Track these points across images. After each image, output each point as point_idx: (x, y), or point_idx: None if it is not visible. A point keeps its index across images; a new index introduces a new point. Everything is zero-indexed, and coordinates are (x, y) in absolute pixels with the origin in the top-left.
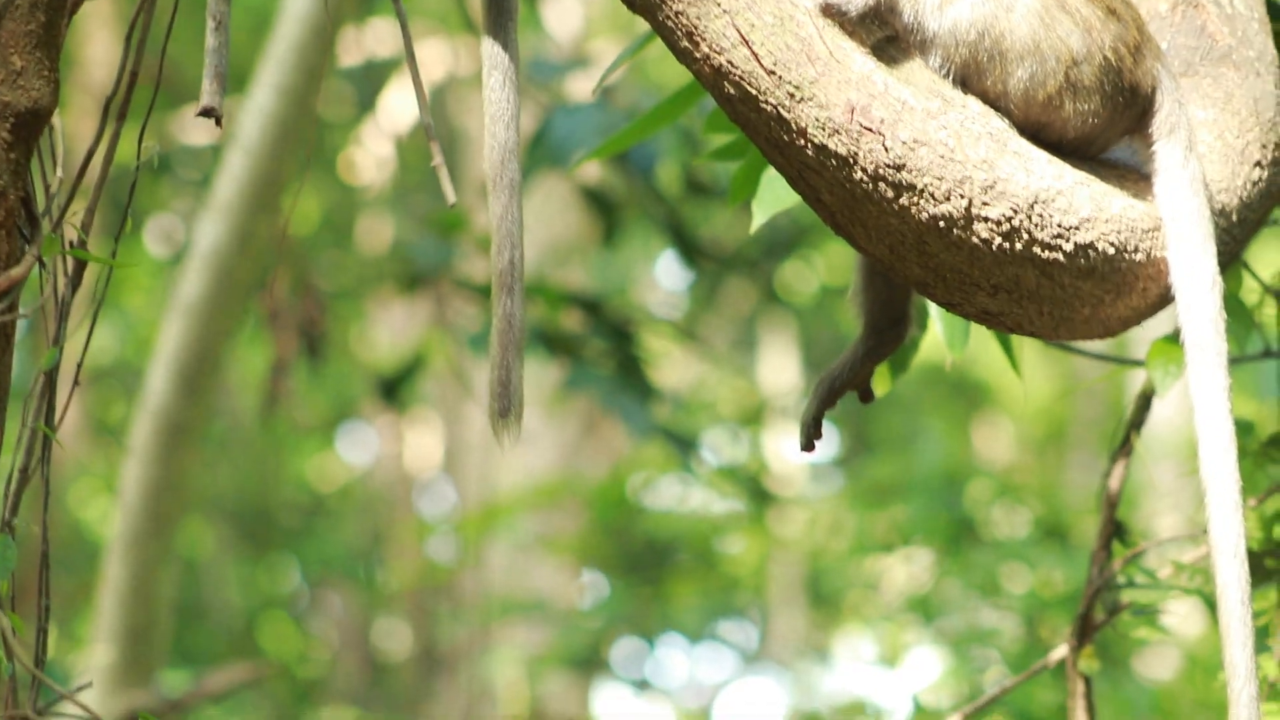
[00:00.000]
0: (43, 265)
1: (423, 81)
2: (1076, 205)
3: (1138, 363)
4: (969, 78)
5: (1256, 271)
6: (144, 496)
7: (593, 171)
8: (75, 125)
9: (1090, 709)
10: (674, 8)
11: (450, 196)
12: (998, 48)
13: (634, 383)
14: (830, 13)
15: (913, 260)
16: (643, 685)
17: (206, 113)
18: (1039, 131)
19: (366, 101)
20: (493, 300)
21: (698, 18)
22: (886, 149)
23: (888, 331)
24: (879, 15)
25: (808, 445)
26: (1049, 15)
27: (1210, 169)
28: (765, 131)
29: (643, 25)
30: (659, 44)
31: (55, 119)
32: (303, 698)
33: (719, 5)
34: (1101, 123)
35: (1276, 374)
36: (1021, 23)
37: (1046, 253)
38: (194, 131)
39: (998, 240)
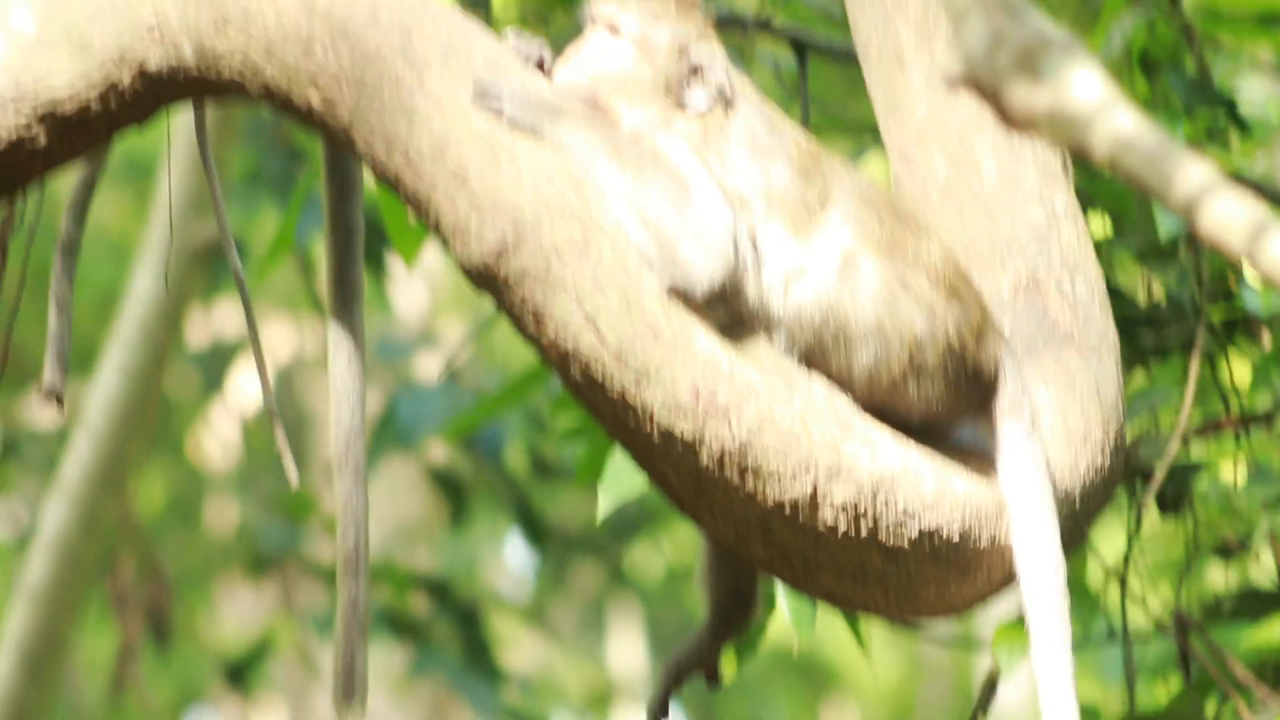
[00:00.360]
0: None
1: (267, 363)
2: (921, 488)
3: (985, 644)
4: (814, 359)
5: (1100, 554)
6: None
7: (440, 452)
8: None
9: None
10: (520, 290)
11: (294, 479)
12: (842, 331)
13: (482, 665)
14: (676, 294)
15: (759, 542)
16: None
17: (49, 395)
18: (884, 413)
19: (213, 382)
20: (338, 584)
21: (544, 300)
22: (732, 433)
23: (735, 613)
24: (724, 298)
25: None
26: (893, 298)
27: (1053, 451)
28: (611, 414)
29: (490, 304)
30: (507, 324)
31: None
32: None
33: (565, 287)
34: (945, 405)
35: (1120, 657)
36: (866, 305)
37: (891, 537)
38: (39, 414)
39: (843, 524)
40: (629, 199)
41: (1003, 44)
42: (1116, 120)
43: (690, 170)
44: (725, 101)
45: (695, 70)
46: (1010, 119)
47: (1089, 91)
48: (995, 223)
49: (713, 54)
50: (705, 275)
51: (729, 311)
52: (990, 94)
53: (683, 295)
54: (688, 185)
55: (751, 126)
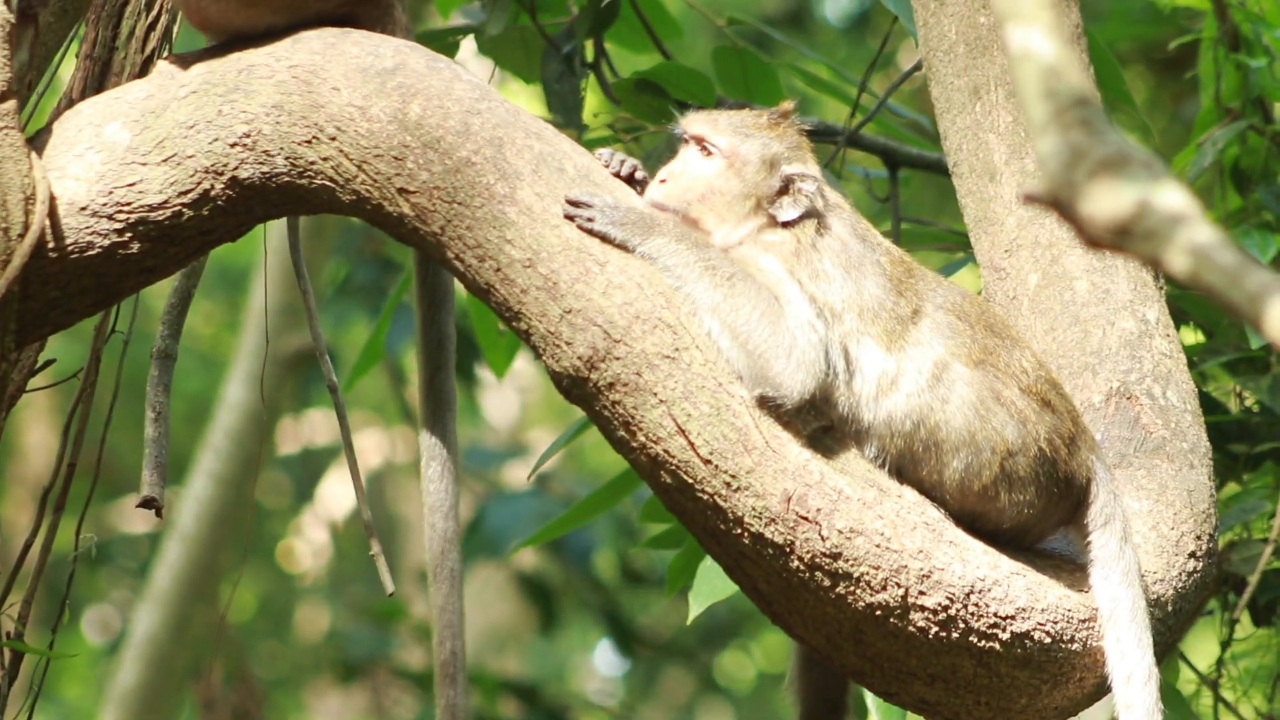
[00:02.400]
0: None
1: (360, 470)
2: (1012, 595)
3: None
4: (905, 467)
5: (1193, 661)
6: None
7: (529, 559)
8: (13, 515)
9: None
10: (610, 397)
11: (388, 586)
12: (933, 438)
13: None
14: (766, 405)
15: (849, 649)
16: None
17: (147, 503)
18: (975, 521)
19: (304, 490)
20: (435, 690)
21: (634, 407)
22: (823, 538)
23: None
24: (815, 406)
25: None
26: (984, 407)
27: (1145, 560)
28: (702, 520)
29: (579, 413)
30: (595, 432)
31: None
32: None
33: (655, 395)
34: (1037, 513)
35: None
36: (957, 414)
37: (983, 642)
38: (131, 520)
39: (934, 629)
40: (720, 313)
41: (1081, 160)
42: (1195, 236)
43: (781, 285)
44: (817, 214)
45: (787, 184)
46: (1088, 235)
47: (1167, 208)
48: (1086, 333)
49: (805, 166)
50: (796, 389)
51: (820, 420)
52: (1068, 210)
53: (774, 408)
54: (779, 300)
55: (844, 240)
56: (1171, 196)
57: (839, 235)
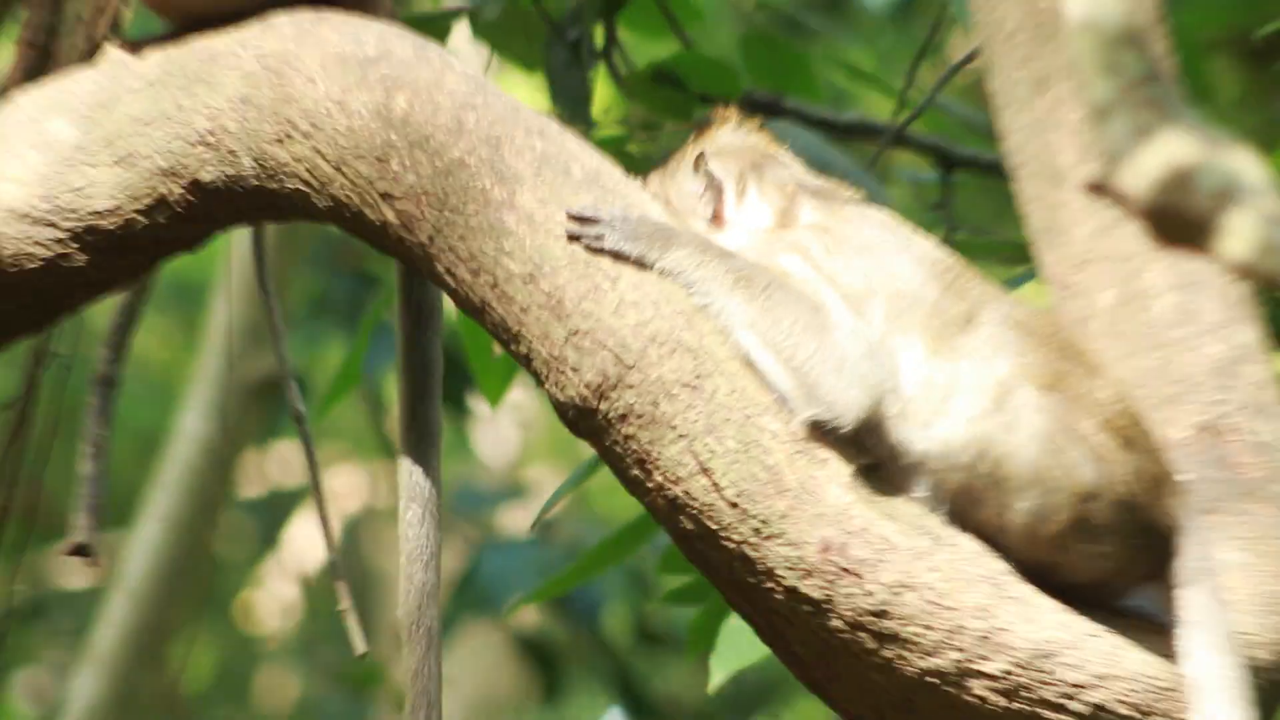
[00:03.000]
0: None
1: (331, 515)
2: (1087, 660)
3: None
4: (962, 509)
5: None
6: None
7: (530, 617)
8: None
9: None
10: (623, 431)
11: (359, 646)
12: (997, 474)
13: None
14: (818, 431)
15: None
16: None
17: (78, 550)
18: (1044, 574)
19: (269, 537)
20: None
21: (650, 443)
22: (867, 593)
23: None
24: (868, 433)
25: None
26: (1058, 440)
27: (1241, 620)
28: (728, 572)
29: (587, 450)
30: (606, 472)
31: None
32: None
33: (674, 428)
34: (1116, 565)
35: None
36: (1026, 446)
37: (1053, 713)
38: (70, 572)
39: (996, 698)
40: (759, 328)
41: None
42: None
43: (812, 286)
44: (805, 191)
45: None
46: (1158, 231)
47: (1253, 198)
48: (1169, 359)
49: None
50: (852, 407)
51: (864, 456)
52: (1133, 201)
53: (828, 433)
54: (823, 309)
55: (862, 219)
56: (1257, 184)
57: (854, 215)
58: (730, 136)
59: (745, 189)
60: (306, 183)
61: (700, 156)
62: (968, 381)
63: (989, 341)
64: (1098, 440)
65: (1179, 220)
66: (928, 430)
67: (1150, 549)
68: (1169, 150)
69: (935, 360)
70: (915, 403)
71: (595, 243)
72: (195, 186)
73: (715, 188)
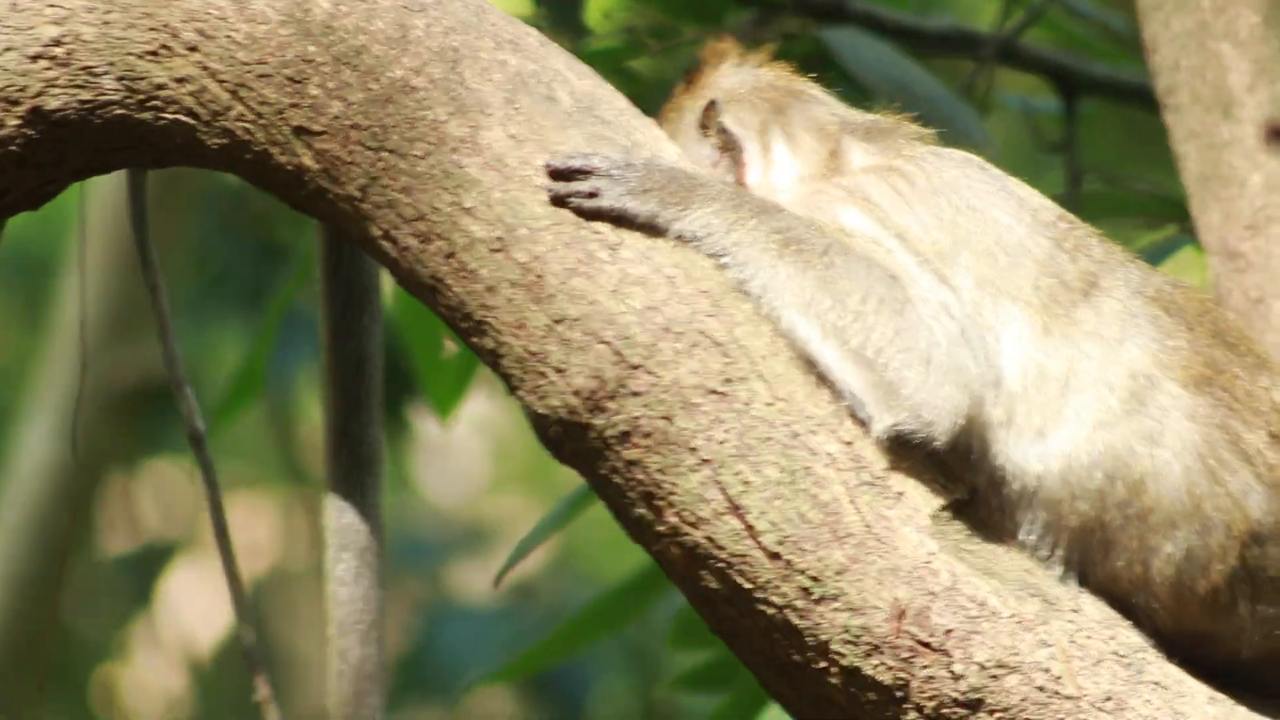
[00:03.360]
0: None
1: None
2: None
3: None
4: (1087, 557)
5: None
6: None
7: (498, 701)
8: None
9: None
10: (624, 455)
11: None
12: (1136, 503)
13: None
14: (903, 444)
15: None
16: None
17: None
18: (1197, 646)
19: (139, 596)
20: None
21: (662, 471)
22: (955, 676)
23: None
24: (959, 451)
25: None
26: (1216, 457)
27: None
28: (765, 646)
29: (573, 480)
30: (598, 511)
31: None
32: None
33: (695, 451)
34: None
35: None
36: (1173, 465)
37: None
38: None
39: None
40: (818, 310)
41: None
42: None
43: (896, 255)
44: (844, 125)
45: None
46: None
47: None
48: None
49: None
50: (946, 411)
51: (957, 476)
52: None
53: (914, 448)
54: (900, 278)
55: (952, 170)
56: None
57: (924, 154)
58: (737, 76)
59: (771, 144)
60: (192, 112)
61: (710, 109)
62: (1092, 371)
63: (1116, 317)
64: (1271, 459)
65: None
66: (1041, 442)
67: None
68: None
69: (1047, 341)
70: (1023, 402)
71: (588, 202)
72: (38, 116)
73: (734, 148)
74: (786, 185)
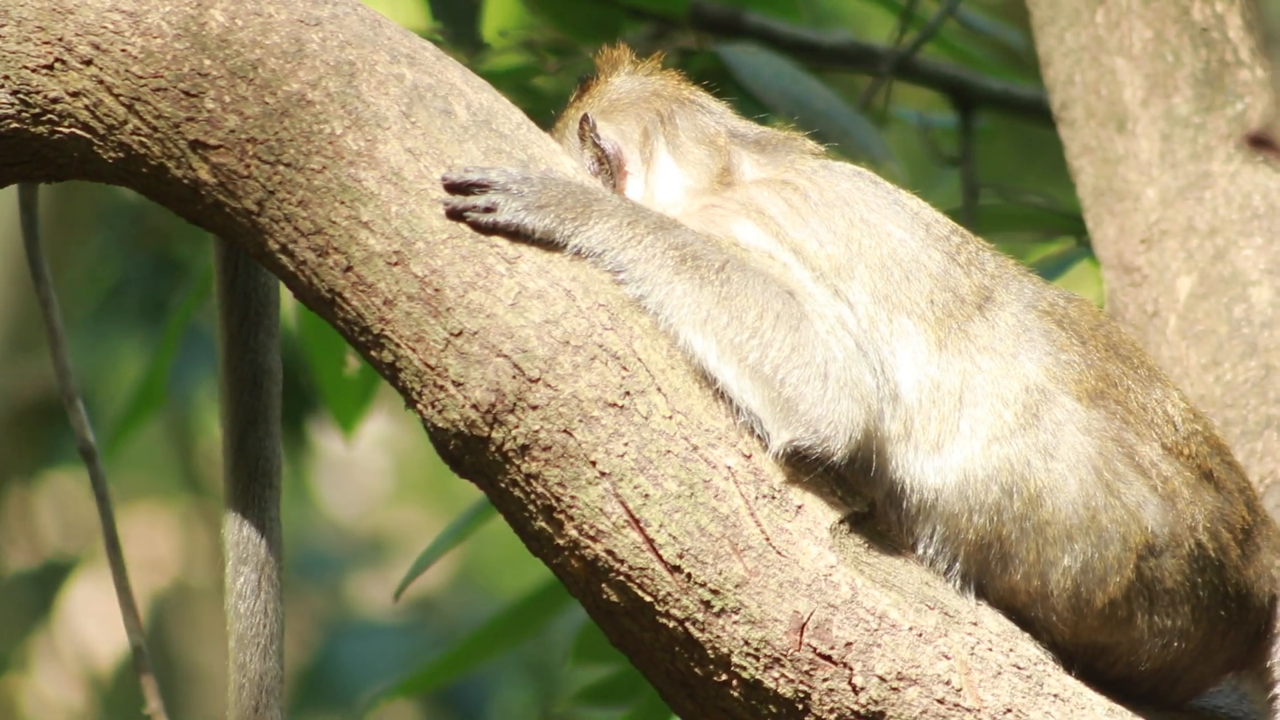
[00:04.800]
0: None
1: (130, 581)
2: None
3: None
4: (985, 569)
5: None
6: None
7: (400, 716)
8: None
9: None
10: (524, 468)
11: None
12: (1032, 517)
13: None
14: (801, 460)
15: None
16: None
17: None
18: (1095, 659)
19: (37, 611)
20: None
21: (561, 484)
22: (855, 688)
23: None
24: (856, 466)
25: None
26: (1111, 469)
27: None
28: (666, 660)
29: (473, 493)
30: (499, 522)
31: None
32: None
33: (594, 464)
34: (1192, 647)
35: None
36: (1069, 478)
37: None
38: None
39: None
40: (715, 326)
41: None
42: None
43: (791, 270)
44: (736, 138)
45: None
46: None
47: None
48: (1269, 369)
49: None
50: (843, 426)
51: (855, 490)
52: None
53: (812, 464)
54: (796, 294)
55: (845, 183)
56: None
57: (816, 167)
58: (627, 84)
59: (653, 153)
60: (87, 126)
61: (584, 122)
62: (986, 386)
63: (1011, 332)
64: (1166, 470)
65: None
66: (938, 456)
67: (1238, 624)
68: None
69: (942, 355)
70: (919, 416)
71: (485, 216)
72: None
73: (609, 160)
74: (675, 197)
